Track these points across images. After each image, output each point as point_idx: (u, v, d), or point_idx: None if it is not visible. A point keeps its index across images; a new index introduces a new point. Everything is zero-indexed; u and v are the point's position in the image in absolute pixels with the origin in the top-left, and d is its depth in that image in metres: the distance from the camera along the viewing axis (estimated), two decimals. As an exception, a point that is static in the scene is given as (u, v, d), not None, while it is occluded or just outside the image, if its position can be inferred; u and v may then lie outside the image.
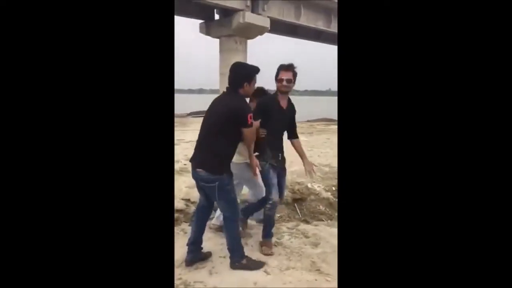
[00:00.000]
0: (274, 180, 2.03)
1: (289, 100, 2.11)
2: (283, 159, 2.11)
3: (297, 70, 2.04)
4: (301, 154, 2.16)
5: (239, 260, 1.82)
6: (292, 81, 2.02)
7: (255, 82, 1.86)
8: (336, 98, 1.00)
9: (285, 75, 1.99)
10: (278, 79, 2.01)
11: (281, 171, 2.11)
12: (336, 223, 2.61)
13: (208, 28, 15.53)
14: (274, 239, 2.16)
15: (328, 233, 2.30)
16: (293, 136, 2.17)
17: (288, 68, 2.00)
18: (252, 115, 1.75)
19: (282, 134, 2.10)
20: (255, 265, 1.84)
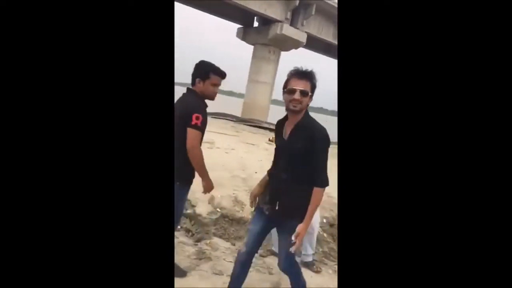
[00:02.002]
0: (254, 227, 1.48)
1: (301, 123, 1.38)
2: (293, 207, 1.37)
3: (316, 80, 1.39)
4: (308, 210, 1.36)
5: None
6: (308, 94, 1.34)
7: (214, 83, 1.65)
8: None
9: (299, 85, 1.32)
10: (287, 90, 1.35)
11: (286, 225, 1.41)
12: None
13: (245, 34, 15.71)
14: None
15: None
16: (313, 181, 1.36)
17: (304, 75, 1.34)
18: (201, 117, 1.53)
19: (285, 173, 1.40)
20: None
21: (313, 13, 13.77)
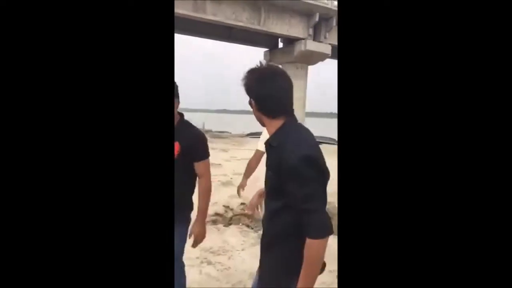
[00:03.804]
0: None
1: (271, 142, 1.03)
2: (275, 280, 1.01)
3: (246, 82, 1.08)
4: (301, 275, 0.92)
5: None
6: (251, 102, 1.07)
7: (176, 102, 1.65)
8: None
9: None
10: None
11: None
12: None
13: (271, 56, 16.66)
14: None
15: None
16: (303, 228, 0.94)
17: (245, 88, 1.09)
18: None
19: (264, 216, 1.08)
20: None
21: (334, 24, 14.26)
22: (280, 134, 0.99)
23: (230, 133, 19.13)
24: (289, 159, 0.91)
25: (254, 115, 1.07)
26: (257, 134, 13.12)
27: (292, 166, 0.90)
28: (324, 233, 0.87)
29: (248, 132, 14.87)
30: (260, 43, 16.66)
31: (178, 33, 16.28)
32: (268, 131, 1.04)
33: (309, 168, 0.90)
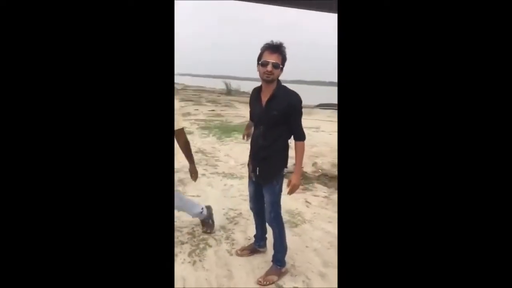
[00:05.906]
0: (250, 188, 1.85)
1: (276, 92, 1.60)
2: (270, 174, 1.67)
3: (286, 54, 1.58)
4: (296, 162, 1.64)
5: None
6: (279, 66, 1.55)
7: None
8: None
9: (271, 58, 1.54)
10: (261, 63, 1.56)
11: (267, 187, 1.71)
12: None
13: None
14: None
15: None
16: (294, 137, 1.65)
17: (276, 49, 1.55)
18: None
19: (262, 139, 1.65)
20: None
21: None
22: (279, 90, 1.61)
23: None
24: (295, 102, 1.58)
25: (277, 75, 1.57)
26: (327, 105, 12.93)
27: (296, 106, 1.59)
28: (304, 138, 1.64)
29: (318, 103, 14.80)
30: (332, 8, 15.69)
31: (255, 2, 16.33)
32: (267, 92, 1.63)
33: (301, 105, 1.61)
